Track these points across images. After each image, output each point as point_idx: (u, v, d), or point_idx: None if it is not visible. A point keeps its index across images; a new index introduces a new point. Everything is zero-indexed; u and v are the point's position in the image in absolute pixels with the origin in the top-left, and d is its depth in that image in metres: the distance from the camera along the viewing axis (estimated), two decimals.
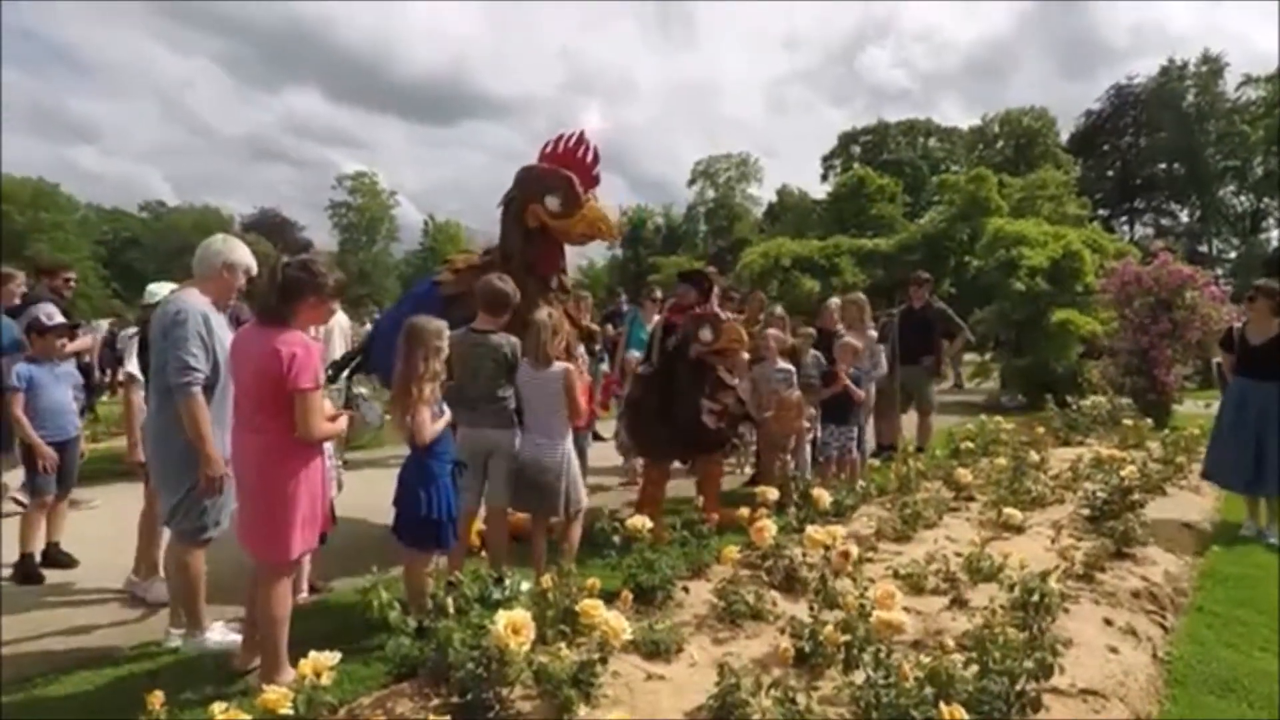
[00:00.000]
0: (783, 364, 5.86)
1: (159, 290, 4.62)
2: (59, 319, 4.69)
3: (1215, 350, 8.16)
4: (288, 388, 2.76)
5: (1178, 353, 9.70)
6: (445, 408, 3.41)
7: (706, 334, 4.83)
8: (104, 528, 5.08)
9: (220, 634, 3.43)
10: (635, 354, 6.83)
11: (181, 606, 3.43)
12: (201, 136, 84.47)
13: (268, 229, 44.85)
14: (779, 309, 7.20)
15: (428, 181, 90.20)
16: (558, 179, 4.40)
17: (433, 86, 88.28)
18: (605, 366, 7.43)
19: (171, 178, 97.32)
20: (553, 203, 4.37)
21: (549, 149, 4.57)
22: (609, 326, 8.98)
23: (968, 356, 15.14)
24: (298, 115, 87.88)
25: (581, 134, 4.56)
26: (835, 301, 7.40)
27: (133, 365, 4.33)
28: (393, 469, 3.46)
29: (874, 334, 7.05)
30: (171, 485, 3.29)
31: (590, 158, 4.52)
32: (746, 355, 5.31)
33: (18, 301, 5.14)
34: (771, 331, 6.01)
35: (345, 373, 4.74)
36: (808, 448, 5.94)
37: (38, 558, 4.49)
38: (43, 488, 4.49)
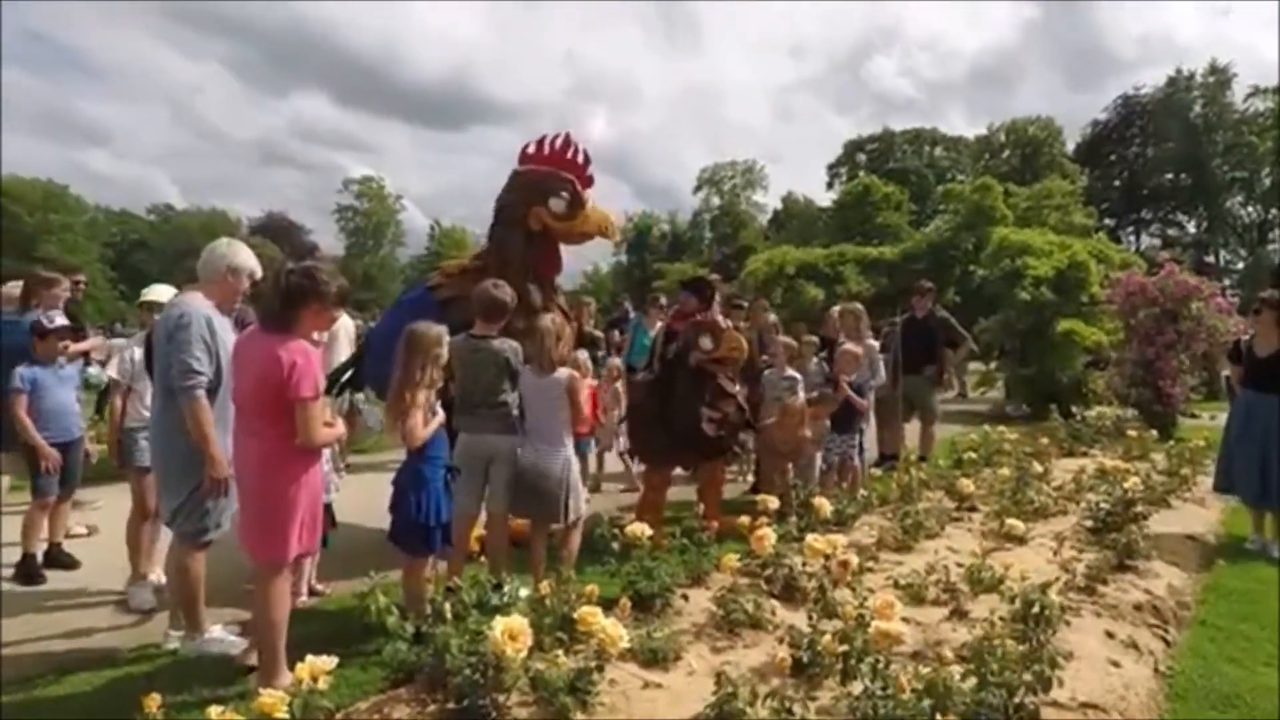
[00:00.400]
0: (790, 371, 5.85)
1: (152, 293, 4.66)
2: (60, 321, 4.72)
3: (1223, 362, 8.12)
4: (289, 396, 2.77)
5: (1184, 364, 9.66)
6: (439, 409, 3.41)
7: (707, 342, 4.84)
8: (106, 529, 5.09)
9: (219, 636, 3.44)
10: (616, 361, 6.92)
11: (181, 609, 3.44)
12: (210, 140, 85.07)
13: (274, 232, 45.06)
14: (772, 317, 7.20)
15: (434, 186, 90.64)
16: (561, 182, 4.48)
17: (439, 91, 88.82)
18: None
19: (180, 181, 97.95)
20: (558, 205, 4.44)
21: (534, 151, 4.63)
22: (616, 332, 8.98)
23: (972, 366, 15.12)
24: (305, 119, 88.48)
25: (568, 136, 4.63)
26: (835, 311, 7.41)
27: (112, 369, 4.37)
28: (395, 473, 3.47)
29: (873, 343, 7.05)
30: (174, 487, 3.30)
31: (582, 159, 4.59)
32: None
33: (61, 305, 5.27)
34: (783, 339, 6.01)
35: (338, 389, 4.72)
36: (817, 457, 5.89)
37: (39, 559, 4.51)
38: (45, 489, 4.51)
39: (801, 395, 5.73)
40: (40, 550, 4.56)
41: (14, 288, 5.34)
